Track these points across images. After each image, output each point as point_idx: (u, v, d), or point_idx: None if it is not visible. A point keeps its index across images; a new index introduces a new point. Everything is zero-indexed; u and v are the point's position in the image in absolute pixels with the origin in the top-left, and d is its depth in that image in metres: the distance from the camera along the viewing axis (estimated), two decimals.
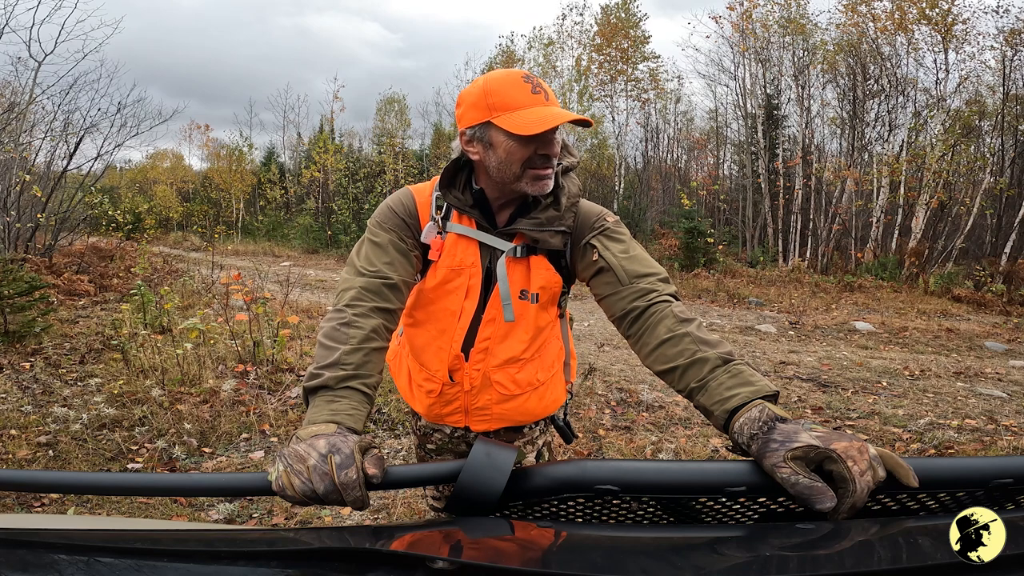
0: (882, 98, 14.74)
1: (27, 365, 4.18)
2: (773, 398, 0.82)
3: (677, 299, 1.04)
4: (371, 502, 0.75)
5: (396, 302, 1.07)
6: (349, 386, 0.89)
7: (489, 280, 1.18)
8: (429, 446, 1.44)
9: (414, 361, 1.30)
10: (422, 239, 1.16)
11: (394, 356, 1.40)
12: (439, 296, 1.19)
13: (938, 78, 13.57)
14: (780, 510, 0.69)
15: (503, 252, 1.15)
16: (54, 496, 2.37)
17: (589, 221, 1.17)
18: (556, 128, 1.05)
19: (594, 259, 1.12)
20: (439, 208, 1.16)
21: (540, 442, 1.42)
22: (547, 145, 1.07)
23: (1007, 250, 12.22)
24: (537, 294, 1.18)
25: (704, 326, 0.98)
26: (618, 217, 1.21)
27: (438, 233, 1.16)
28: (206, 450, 3.01)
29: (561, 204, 1.15)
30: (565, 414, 1.44)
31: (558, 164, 1.19)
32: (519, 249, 1.16)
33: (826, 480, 0.66)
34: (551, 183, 1.11)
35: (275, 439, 3.16)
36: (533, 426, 1.38)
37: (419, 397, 1.31)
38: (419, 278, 1.21)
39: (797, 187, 15.69)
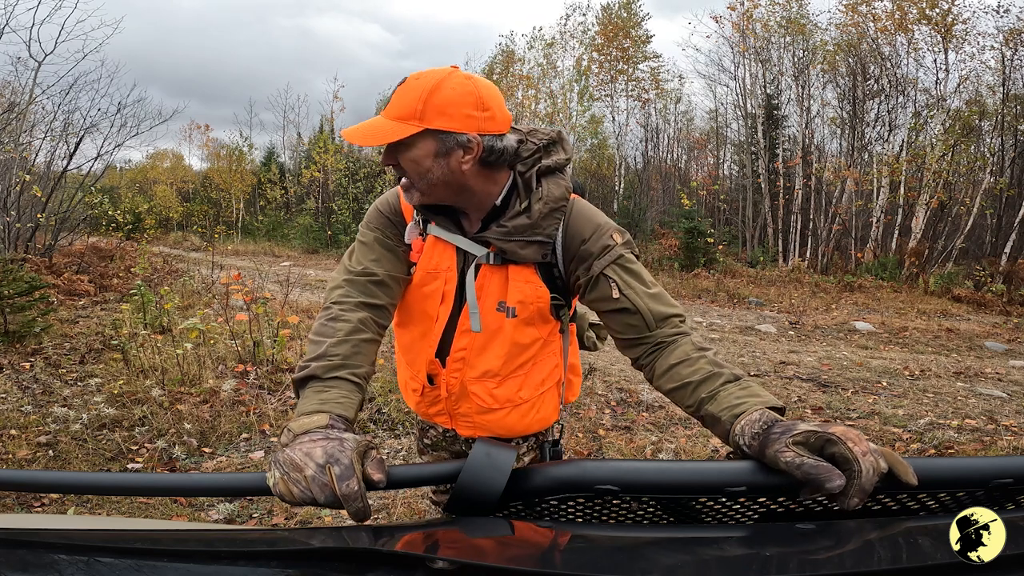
0: (882, 98, 14.75)
1: (27, 365, 4.17)
2: (780, 412, 0.81)
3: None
4: (371, 502, 0.75)
5: (384, 297, 1.06)
6: (337, 376, 0.89)
7: (463, 288, 1.12)
8: (426, 440, 1.45)
9: (401, 359, 1.30)
10: (405, 239, 1.13)
11: (396, 352, 1.41)
12: (418, 299, 1.15)
13: (938, 78, 13.59)
14: (780, 510, 0.69)
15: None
16: (54, 496, 2.37)
17: (592, 238, 1.04)
18: (382, 142, 0.98)
19: (615, 296, 1.02)
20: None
21: (527, 459, 1.35)
22: (384, 156, 1.02)
23: (1007, 250, 12.23)
24: (514, 308, 1.09)
25: (719, 356, 0.96)
26: (626, 236, 1.08)
27: (419, 234, 1.12)
28: (206, 450, 3.01)
29: (533, 211, 1.02)
30: (558, 439, 1.36)
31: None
32: (492, 256, 1.06)
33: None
34: (413, 197, 1.02)
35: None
36: (521, 441, 1.32)
37: (408, 394, 1.32)
38: (409, 274, 1.18)
39: (797, 187, 15.69)
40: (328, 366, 0.89)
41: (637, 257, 1.07)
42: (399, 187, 1.11)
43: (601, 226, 1.05)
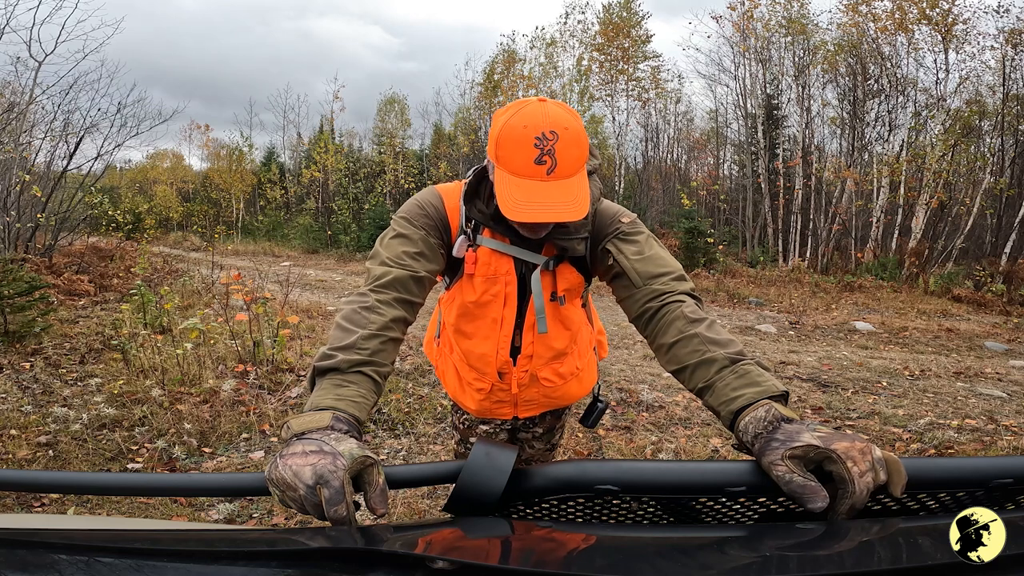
0: (882, 98, 14.75)
1: (27, 365, 4.17)
2: (782, 398, 0.81)
3: (693, 296, 1.04)
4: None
5: (419, 296, 1.07)
6: (361, 371, 0.87)
7: (523, 288, 1.21)
8: (472, 440, 1.52)
9: (463, 363, 1.35)
10: (454, 253, 1.17)
11: (439, 357, 1.46)
12: (480, 306, 1.23)
13: (938, 78, 13.59)
14: (780, 510, 0.69)
15: (536, 265, 1.18)
16: (54, 496, 2.37)
17: (605, 223, 1.16)
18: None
19: (609, 264, 1.13)
20: (469, 220, 1.16)
21: (564, 420, 1.62)
22: (530, 228, 1.09)
23: (1007, 250, 12.23)
24: (563, 296, 1.24)
25: (716, 324, 0.96)
26: (635, 216, 1.19)
27: (469, 247, 1.16)
28: (206, 450, 3.01)
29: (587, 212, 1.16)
30: (598, 393, 1.53)
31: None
32: (551, 262, 1.18)
33: (826, 480, 0.66)
34: (544, 231, 1.11)
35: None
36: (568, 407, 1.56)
37: (470, 394, 1.37)
38: (447, 281, 1.26)
39: (797, 187, 15.69)
40: (354, 360, 0.88)
41: (639, 232, 1.15)
42: (438, 189, 1.19)
43: (615, 214, 1.18)
